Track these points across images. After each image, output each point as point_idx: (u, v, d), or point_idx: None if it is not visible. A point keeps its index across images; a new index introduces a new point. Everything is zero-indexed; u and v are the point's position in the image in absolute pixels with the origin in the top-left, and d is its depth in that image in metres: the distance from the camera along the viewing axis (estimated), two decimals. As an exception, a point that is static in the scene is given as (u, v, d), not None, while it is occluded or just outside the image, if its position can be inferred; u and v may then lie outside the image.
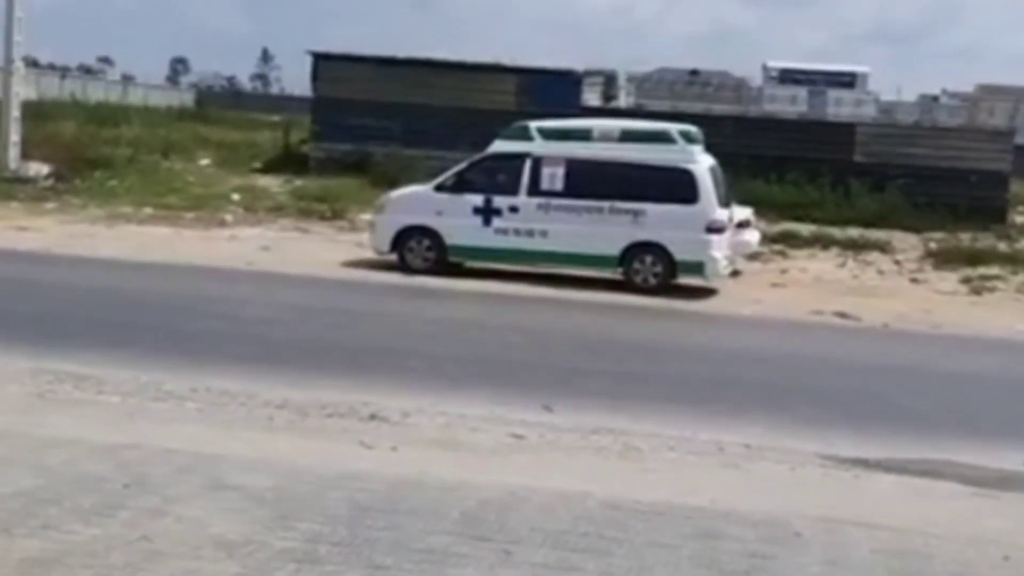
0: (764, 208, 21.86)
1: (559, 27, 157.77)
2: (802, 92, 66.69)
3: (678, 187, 16.70)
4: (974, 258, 20.90)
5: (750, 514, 6.75)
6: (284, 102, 49.91)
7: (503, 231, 17.09)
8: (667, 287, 16.67)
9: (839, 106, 63.03)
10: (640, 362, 12.38)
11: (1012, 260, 20.93)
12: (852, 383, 11.85)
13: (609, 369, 11.63)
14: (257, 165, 29.25)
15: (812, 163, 25.17)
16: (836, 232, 22.77)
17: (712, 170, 17.02)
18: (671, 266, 16.75)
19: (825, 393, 11.30)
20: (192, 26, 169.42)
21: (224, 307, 13.79)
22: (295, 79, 66.39)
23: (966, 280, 19.41)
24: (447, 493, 6.76)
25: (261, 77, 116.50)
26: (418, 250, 17.35)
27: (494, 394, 9.99)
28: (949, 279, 19.58)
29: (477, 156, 17.75)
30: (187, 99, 58.05)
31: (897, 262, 21.10)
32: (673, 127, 17.61)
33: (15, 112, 24.98)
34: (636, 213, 16.78)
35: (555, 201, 16.99)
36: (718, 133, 20.52)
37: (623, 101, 35.25)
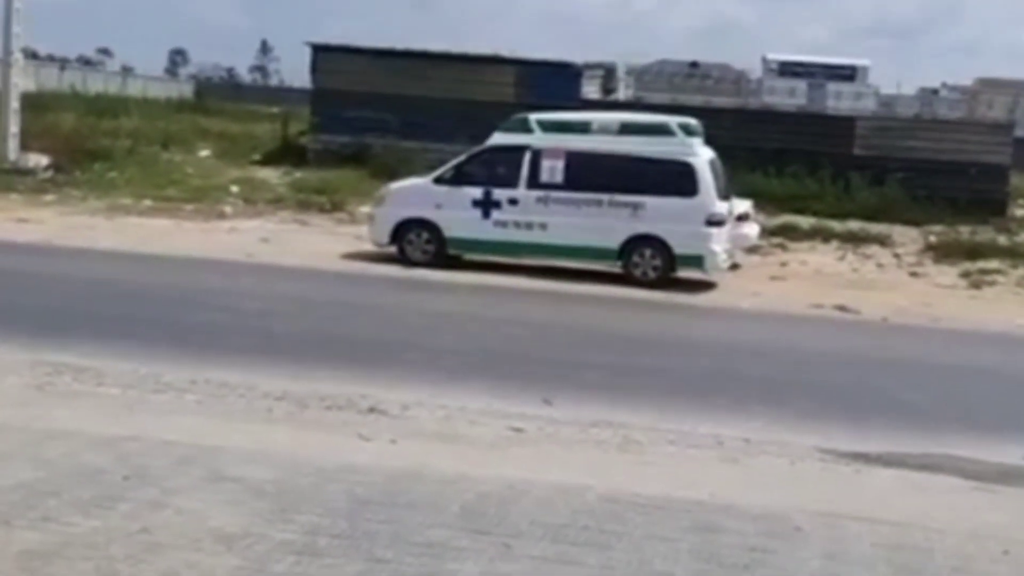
0: (763, 201, 21.89)
1: (559, 21, 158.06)
2: (802, 85, 66.78)
3: (678, 180, 16.67)
4: (974, 252, 20.88)
5: (749, 508, 6.74)
6: (283, 94, 49.95)
7: (502, 224, 17.06)
8: (666, 280, 16.66)
9: (839, 99, 63.14)
10: (639, 355, 12.36)
11: (1012, 254, 20.91)
12: (852, 377, 11.85)
13: (608, 362, 11.60)
14: (256, 157, 29.18)
15: (812, 156, 25.16)
16: (836, 225, 22.77)
17: (712, 163, 16.99)
18: (670, 259, 16.74)
19: (825, 387, 11.29)
20: (191, 18, 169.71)
21: (223, 299, 13.77)
22: (294, 71, 66.58)
23: (966, 274, 19.41)
24: (446, 486, 6.76)
25: (260, 69, 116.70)
26: (417, 243, 17.34)
27: (493, 387, 9.98)
28: (949, 273, 19.58)
29: (476, 148, 17.71)
30: (186, 91, 58.08)
31: (897, 255, 21.10)
32: (672, 120, 17.57)
33: (14, 103, 24.94)
34: (635, 206, 16.76)
35: (554, 194, 16.97)
36: (717, 126, 20.51)
37: (623, 93, 35.35)
